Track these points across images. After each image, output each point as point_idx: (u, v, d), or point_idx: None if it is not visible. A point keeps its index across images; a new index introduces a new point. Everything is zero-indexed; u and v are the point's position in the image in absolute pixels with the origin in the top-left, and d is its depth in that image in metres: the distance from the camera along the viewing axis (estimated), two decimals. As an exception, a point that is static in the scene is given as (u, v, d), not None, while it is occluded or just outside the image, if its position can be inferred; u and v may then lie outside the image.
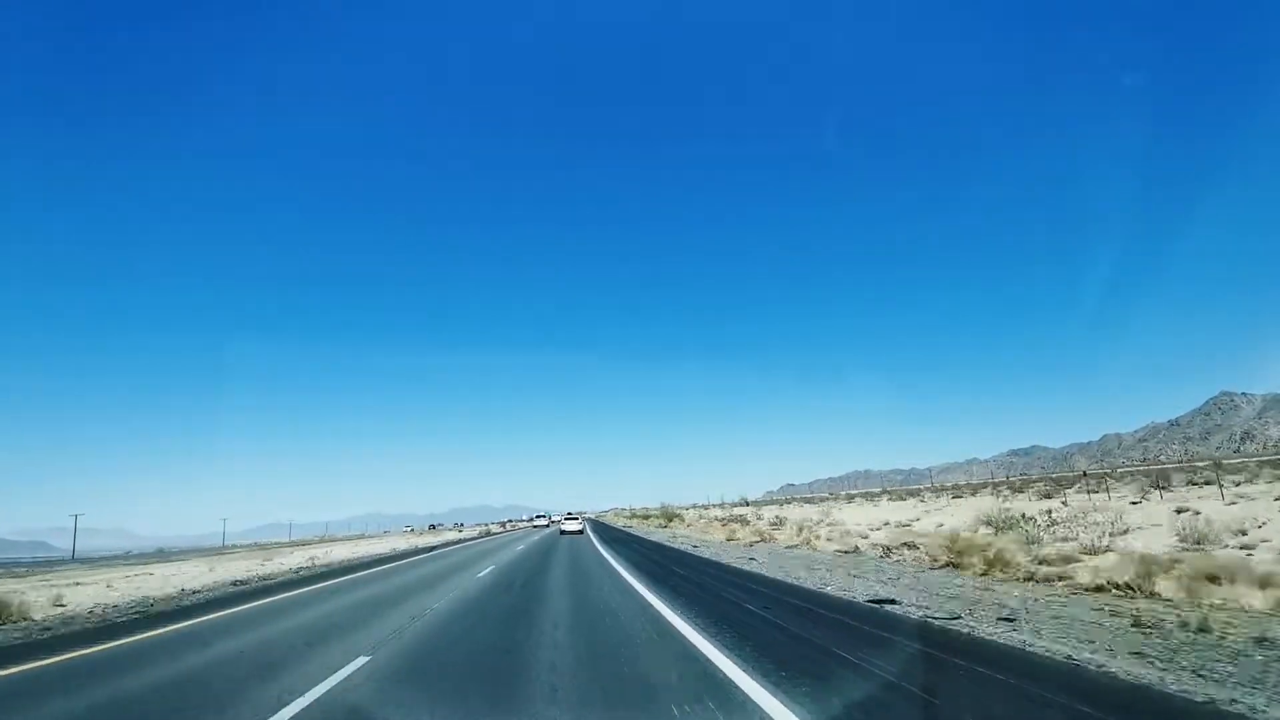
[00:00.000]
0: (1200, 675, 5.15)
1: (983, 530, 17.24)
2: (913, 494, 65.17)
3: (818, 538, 21.66)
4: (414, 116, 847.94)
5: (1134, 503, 28.52)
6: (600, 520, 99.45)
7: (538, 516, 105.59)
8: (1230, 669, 5.29)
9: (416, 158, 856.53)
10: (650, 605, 10.14)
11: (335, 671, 6.40)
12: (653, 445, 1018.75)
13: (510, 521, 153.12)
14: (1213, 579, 8.52)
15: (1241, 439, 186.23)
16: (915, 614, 8.27)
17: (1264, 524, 16.40)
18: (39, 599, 14.66)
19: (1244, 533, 15.39)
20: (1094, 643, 6.33)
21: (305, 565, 24.62)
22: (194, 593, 16.29)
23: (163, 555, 77.33)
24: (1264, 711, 4.34)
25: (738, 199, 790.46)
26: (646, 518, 67.12)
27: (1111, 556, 11.33)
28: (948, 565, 12.14)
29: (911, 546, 14.63)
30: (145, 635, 9.72)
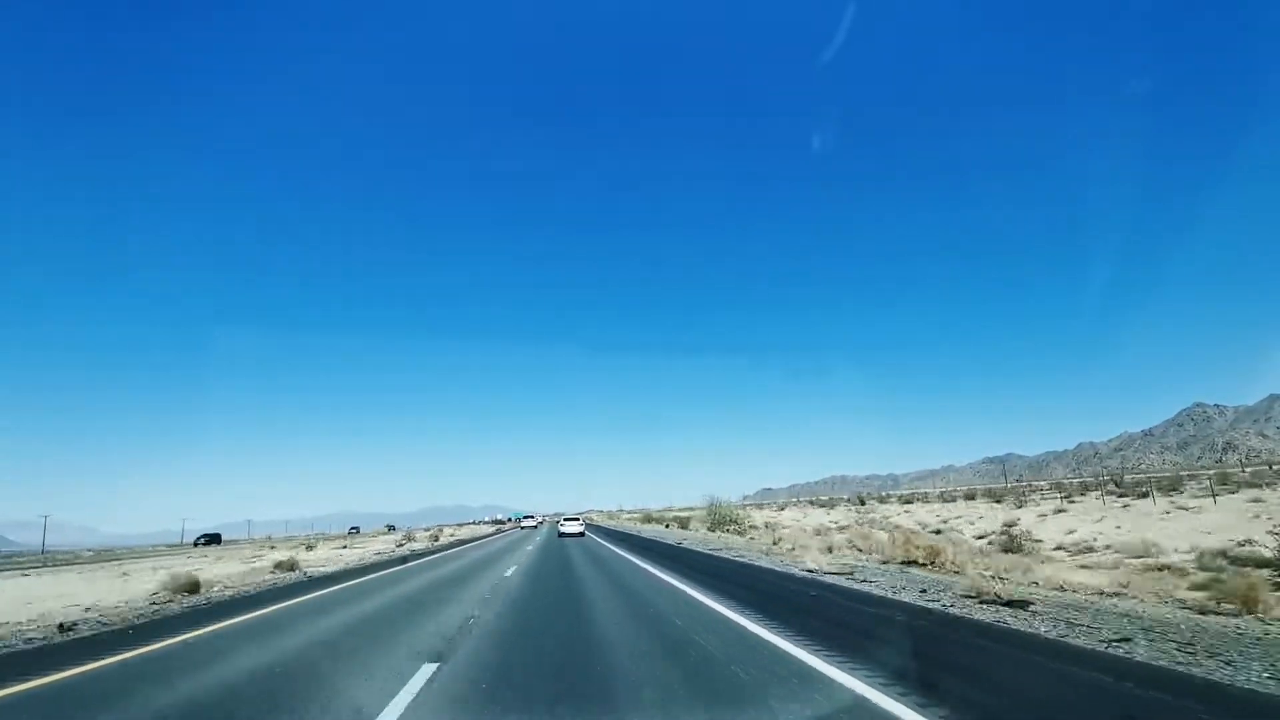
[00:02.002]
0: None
1: None
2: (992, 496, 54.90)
3: None
4: (397, 110, 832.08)
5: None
6: (592, 522, 78.29)
7: (526, 517, 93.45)
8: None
9: (400, 154, 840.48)
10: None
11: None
12: (629, 449, 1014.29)
13: (450, 528, 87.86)
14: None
15: (1224, 449, 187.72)
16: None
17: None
18: None
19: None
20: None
21: None
22: None
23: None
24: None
25: (724, 205, 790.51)
26: (684, 524, 44.88)
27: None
28: None
29: None
30: None
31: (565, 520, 41.37)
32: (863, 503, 56.11)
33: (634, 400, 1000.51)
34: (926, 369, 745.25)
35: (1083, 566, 13.96)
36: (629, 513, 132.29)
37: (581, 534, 38.44)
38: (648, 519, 69.07)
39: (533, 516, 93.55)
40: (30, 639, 9.12)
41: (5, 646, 8.59)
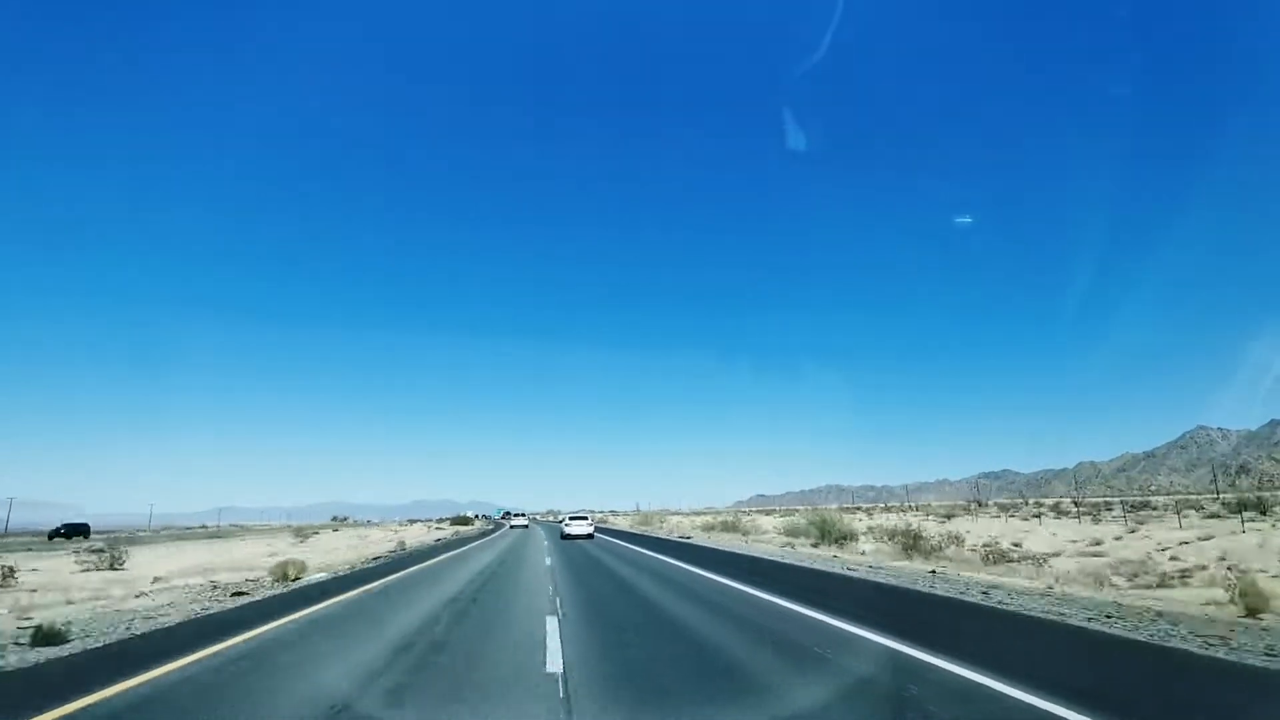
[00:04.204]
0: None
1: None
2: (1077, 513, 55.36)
3: None
4: (383, 91, 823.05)
5: None
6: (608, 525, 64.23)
7: (515, 515, 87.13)
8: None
9: (388, 138, 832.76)
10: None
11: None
12: (622, 451, 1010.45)
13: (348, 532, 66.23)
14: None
15: (1237, 472, 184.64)
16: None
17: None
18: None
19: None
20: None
21: None
22: None
23: None
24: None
25: (723, 210, 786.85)
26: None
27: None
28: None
29: None
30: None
31: (571, 519, 37.89)
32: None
33: (630, 402, 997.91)
34: (923, 380, 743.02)
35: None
36: (673, 514, 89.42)
37: (590, 536, 35.76)
38: (824, 534, 26.96)
39: (523, 515, 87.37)
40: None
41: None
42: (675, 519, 73.64)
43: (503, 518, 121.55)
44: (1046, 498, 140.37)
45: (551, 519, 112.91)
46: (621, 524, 74.28)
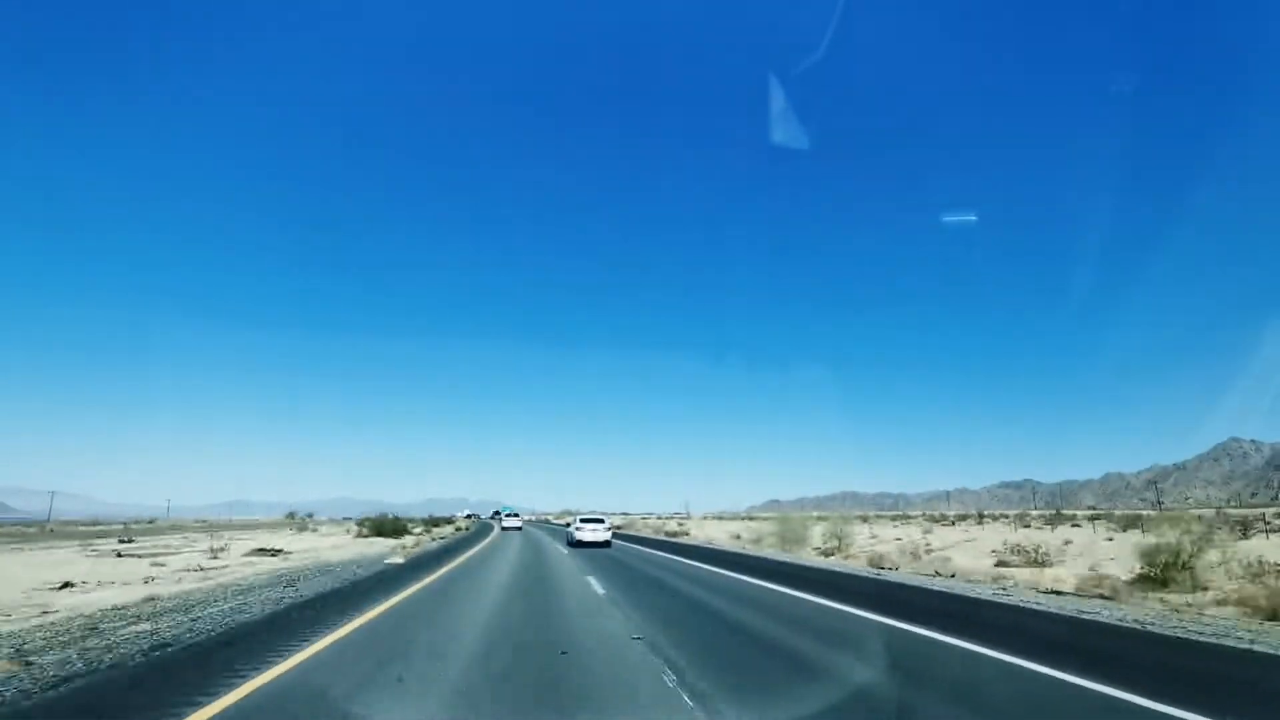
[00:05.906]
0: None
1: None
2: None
3: None
4: (387, 90, 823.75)
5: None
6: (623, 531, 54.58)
7: (509, 515, 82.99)
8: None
9: (391, 135, 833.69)
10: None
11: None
12: (631, 453, 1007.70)
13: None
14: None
15: None
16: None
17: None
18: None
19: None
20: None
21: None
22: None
23: None
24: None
25: (731, 212, 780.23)
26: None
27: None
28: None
29: None
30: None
31: (583, 522, 32.52)
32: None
33: (645, 407, 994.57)
34: (945, 389, 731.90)
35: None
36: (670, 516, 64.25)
37: (608, 543, 31.41)
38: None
39: (517, 515, 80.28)
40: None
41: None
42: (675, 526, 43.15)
43: (492, 516, 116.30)
44: (1075, 509, 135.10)
45: (567, 521, 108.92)
46: (696, 533, 53.60)
